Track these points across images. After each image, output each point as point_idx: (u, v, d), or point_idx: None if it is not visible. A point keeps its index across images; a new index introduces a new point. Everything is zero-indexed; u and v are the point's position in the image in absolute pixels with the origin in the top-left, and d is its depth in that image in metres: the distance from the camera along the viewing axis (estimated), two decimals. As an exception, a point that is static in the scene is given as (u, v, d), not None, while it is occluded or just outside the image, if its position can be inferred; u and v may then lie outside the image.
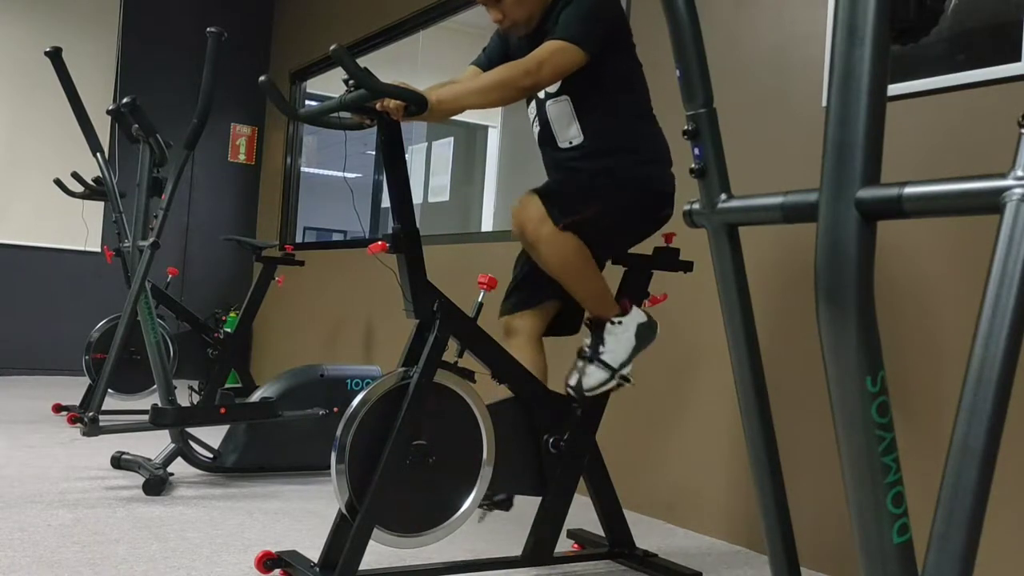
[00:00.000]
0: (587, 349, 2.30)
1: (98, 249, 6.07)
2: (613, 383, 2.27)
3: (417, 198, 5.01)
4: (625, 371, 2.28)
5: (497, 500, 2.32)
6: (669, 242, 2.44)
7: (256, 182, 7.04)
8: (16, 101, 6.12)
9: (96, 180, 4.47)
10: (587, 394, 2.26)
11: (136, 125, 3.35)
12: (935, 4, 0.95)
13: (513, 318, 2.41)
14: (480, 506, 2.26)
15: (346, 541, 2.04)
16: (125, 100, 3.37)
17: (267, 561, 2.17)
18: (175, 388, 3.25)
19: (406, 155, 2.20)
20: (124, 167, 5.20)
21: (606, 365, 2.26)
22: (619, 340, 2.27)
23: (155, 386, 3.36)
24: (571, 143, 2.34)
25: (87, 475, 3.26)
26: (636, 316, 2.31)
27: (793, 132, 2.78)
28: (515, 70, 2.15)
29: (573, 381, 2.27)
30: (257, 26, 6.99)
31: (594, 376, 2.25)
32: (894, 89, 2.41)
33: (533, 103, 2.43)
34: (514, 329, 2.41)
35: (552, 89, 2.32)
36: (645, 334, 2.31)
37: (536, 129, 2.44)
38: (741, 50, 2.97)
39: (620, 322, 2.28)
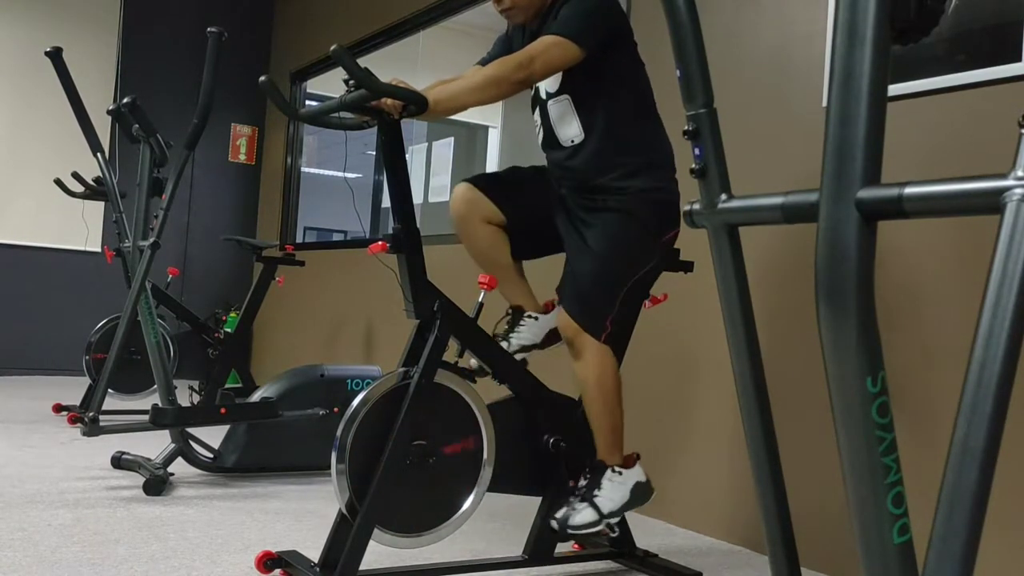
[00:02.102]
0: (582, 489, 2.28)
1: (98, 249, 6.07)
2: (599, 527, 2.25)
3: (417, 198, 5.01)
4: (612, 521, 2.27)
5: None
6: (671, 242, 2.44)
7: (256, 182, 7.04)
8: (16, 101, 6.12)
9: (96, 180, 4.47)
10: (570, 532, 2.24)
11: (136, 125, 3.35)
12: (935, 4, 0.95)
13: (473, 190, 2.38)
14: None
15: (346, 541, 2.04)
16: (125, 100, 3.37)
17: (267, 561, 2.17)
18: (175, 388, 3.25)
19: (406, 155, 2.20)
20: (124, 167, 5.20)
21: (597, 509, 2.23)
22: (615, 490, 2.26)
23: (155, 386, 3.36)
24: (572, 142, 2.33)
25: (87, 475, 3.26)
26: (636, 474, 2.30)
27: (793, 132, 2.78)
28: (508, 64, 2.15)
29: (560, 515, 2.24)
30: (257, 26, 6.99)
31: (583, 516, 2.22)
32: (895, 89, 2.41)
33: (537, 106, 2.43)
34: (473, 212, 2.38)
35: (553, 88, 2.32)
36: (639, 494, 2.30)
37: (540, 132, 2.44)
38: (741, 50, 2.97)
39: (621, 473, 2.27)
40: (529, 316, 2.42)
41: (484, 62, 2.47)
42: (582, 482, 2.30)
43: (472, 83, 2.17)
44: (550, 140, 2.40)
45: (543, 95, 2.37)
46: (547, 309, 2.45)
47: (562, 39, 2.16)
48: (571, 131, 2.33)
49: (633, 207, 2.26)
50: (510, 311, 2.46)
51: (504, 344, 2.38)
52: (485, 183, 2.40)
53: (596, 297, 2.27)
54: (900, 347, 2.38)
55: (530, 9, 2.33)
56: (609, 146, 2.30)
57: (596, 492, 2.24)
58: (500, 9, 2.37)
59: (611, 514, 2.24)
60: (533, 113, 2.46)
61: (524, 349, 2.41)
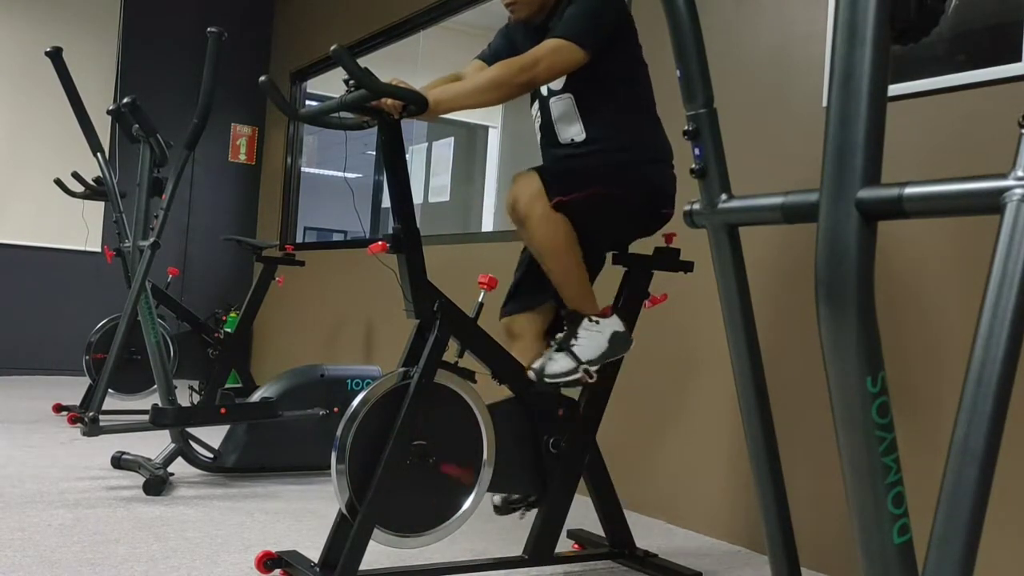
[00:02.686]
0: (558, 339, 2.28)
1: (98, 249, 6.07)
2: (577, 375, 2.23)
3: (417, 198, 5.01)
4: (591, 368, 2.24)
5: (531, 501, 2.32)
6: (669, 242, 2.44)
7: (256, 182, 7.04)
8: (16, 101, 6.12)
9: (96, 180, 4.47)
10: (547, 380, 2.23)
11: (136, 125, 3.35)
12: (935, 4, 0.95)
13: (514, 320, 2.41)
14: (515, 509, 2.31)
15: (346, 541, 2.04)
16: (125, 100, 3.37)
17: (267, 561, 2.17)
18: (175, 388, 3.25)
19: (406, 155, 2.20)
20: (124, 167, 5.20)
21: (574, 356, 2.23)
22: (592, 338, 2.25)
23: (155, 386, 3.36)
24: (573, 140, 2.33)
25: (87, 475, 3.26)
26: (614, 323, 2.29)
27: (793, 132, 2.78)
28: (512, 67, 2.15)
29: (537, 365, 2.24)
30: (257, 26, 6.99)
31: (560, 363, 2.23)
32: (895, 89, 2.41)
33: (536, 102, 2.43)
34: (516, 332, 2.40)
35: (556, 86, 2.32)
36: (618, 343, 2.28)
37: (538, 127, 2.44)
38: (741, 50, 2.97)
39: (597, 322, 2.27)
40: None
41: (484, 56, 2.46)
42: (559, 335, 2.28)
43: (474, 84, 2.16)
44: (549, 137, 2.40)
45: (545, 92, 2.37)
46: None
47: (567, 43, 2.16)
48: (572, 130, 2.33)
49: (627, 178, 2.29)
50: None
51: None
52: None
53: (569, 178, 2.25)
54: (900, 347, 2.38)
55: (535, 4, 2.32)
56: (610, 146, 2.30)
57: (573, 341, 2.23)
58: (505, 3, 2.36)
59: (589, 361, 2.22)
60: (531, 107, 2.46)
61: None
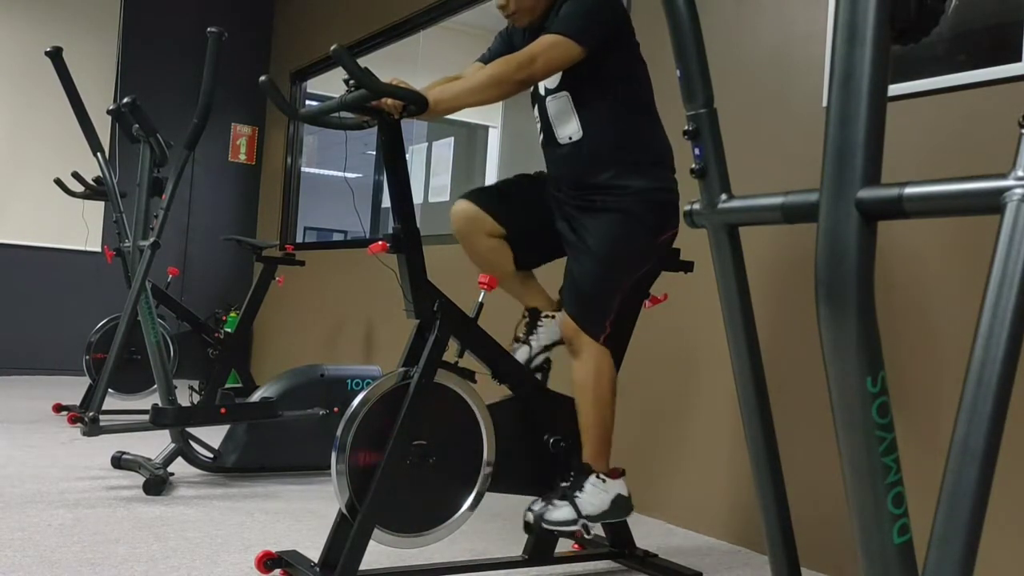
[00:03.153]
0: (563, 488, 2.26)
1: (98, 249, 6.07)
2: (575, 527, 2.22)
3: (418, 198, 5.01)
4: (588, 524, 2.23)
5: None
6: (670, 241, 2.44)
7: (256, 182, 7.04)
8: (16, 101, 6.12)
9: (96, 180, 4.47)
10: (544, 526, 2.21)
11: (136, 125, 3.35)
12: (936, 4, 0.95)
13: (472, 206, 2.38)
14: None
15: (346, 541, 2.04)
16: (125, 100, 3.37)
17: (267, 561, 2.17)
18: (175, 388, 3.25)
19: (406, 155, 2.20)
20: (124, 167, 5.20)
21: (576, 508, 2.21)
22: (596, 496, 2.24)
23: (155, 386, 3.36)
24: (570, 139, 2.33)
25: (87, 475, 3.26)
26: (619, 487, 2.28)
27: (793, 132, 2.78)
28: (509, 64, 2.15)
29: (537, 508, 2.23)
30: (257, 26, 6.99)
31: (561, 512, 2.21)
32: (895, 89, 2.41)
33: (536, 105, 2.43)
34: (474, 230, 2.39)
35: (552, 84, 2.32)
36: (619, 507, 2.27)
37: (539, 128, 2.44)
38: (741, 50, 2.97)
39: (604, 481, 2.26)
40: (546, 316, 2.42)
41: (484, 59, 2.46)
42: (564, 484, 2.29)
43: (473, 83, 2.17)
44: (549, 137, 2.40)
45: (542, 91, 2.37)
46: (613, 476, 2.36)
47: (563, 38, 2.16)
48: (569, 128, 2.33)
49: (632, 207, 2.26)
50: (526, 314, 2.46)
51: (527, 347, 2.39)
52: (484, 198, 2.41)
53: (596, 298, 2.27)
54: (900, 347, 2.38)
55: (535, 11, 2.32)
56: (608, 144, 2.29)
57: (578, 493, 2.23)
58: (505, 14, 2.37)
59: (588, 517, 2.22)
60: (533, 109, 2.46)
61: (547, 348, 2.41)
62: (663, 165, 2.33)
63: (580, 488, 2.24)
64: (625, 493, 2.29)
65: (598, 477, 2.25)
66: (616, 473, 2.29)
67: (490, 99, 2.18)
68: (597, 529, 2.50)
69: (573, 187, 2.35)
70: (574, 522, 2.21)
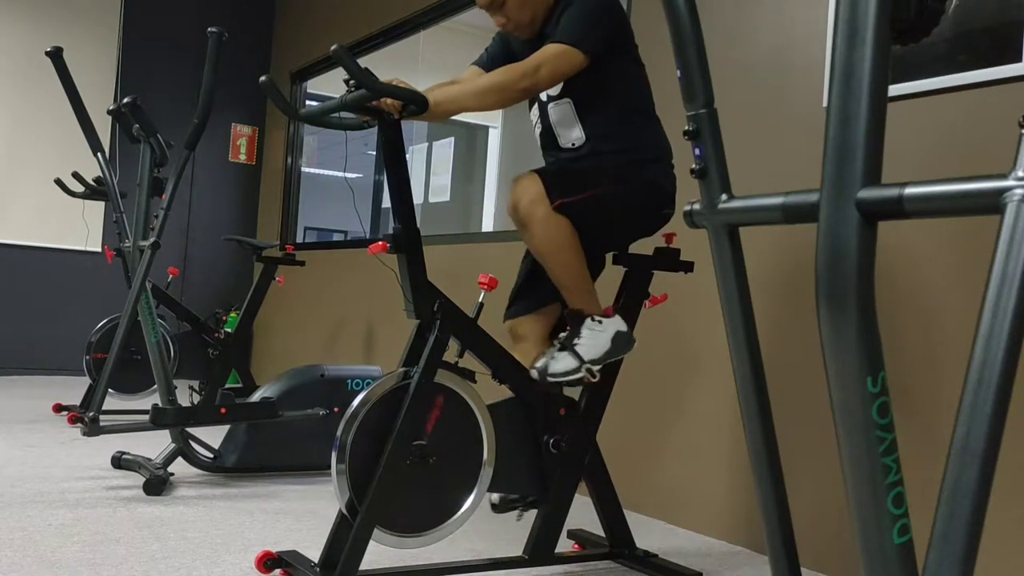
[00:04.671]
0: (561, 339, 2.28)
1: (98, 249, 6.07)
2: (580, 374, 2.23)
3: (418, 198, 5.00)
4: (593, 368, 2.24)
5: (530, 500, 2.33)
6: (670, 242, 2.44)
7: (257, 182, 7.04)
8: (16, 101, 6.12)
9: (97, 180, 4.47)
10: (550, 379, 2.23)
11: (137, 125, 3.35)
12: (936, 4, 0.95)
13: (518, 323, 2.41)
14: (513, 508, 2.32)
15: (346, 541, 2.04)
16: (126, 100, 3.37)
17: (267, 561, 2.17)
18: (175, 388, 3.25)
19: (407, 155, 2.20)
20: (125, 167, 5.20)
21: (577, 355, 2.23)
22: (595, 337, 2.24)
23: (155, 386, 3.36)
24: (573, 144, 2.34)
25: (87, 475, 3.26)
26: (617, 323, 2.29)
27: (793, 132, 2.78)
28: (513, 73, 2.15)
29: (540, 364, 2.24)
30: (257, 26, 6.99)
31: (563, 362, 2.22)
32: (895, 89, 2.41)
33: (535, 106, 2.43)
34: (521, 334, 2.40)
35: (554, 92, 2.32)
36: (621, 342, 2.28)
37: (538, 132, 2.44)
38: (741, 50, 2.97)
39: (600, 322, 2.26)
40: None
41: (481, 61, 2.46)
42: (561, 335, 2.28)
43: (475, 87, 2.17)
44: (550, 142, 2.40)
45: (544, 98, 2.37)
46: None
47: (567, 47, 2.16)
48: (573, 134, 2.33)
49: (628, 178, 2.29)
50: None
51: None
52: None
53: (570, 179, 2.25)
54: (901, 347, 2.38)
55: (534, 23, 2.32)
56: (611, 148, 2.30)
57: (576, 340, 2.23)
58: (500, 24, 2.36)
59: (592, 361, 2.22)
60: (530, 111, 2.46)
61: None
62: (663, 162, 2.35)
63: (577, 335, 2.24)
64: (624, 328, 2.28)
65: (593, 319, 2.25)
66: (610, 311, 2.29)
67: (491, 105, 2.18)
68: (597, 528, 2.50)
69: None
70: (578, 369, 2.22)
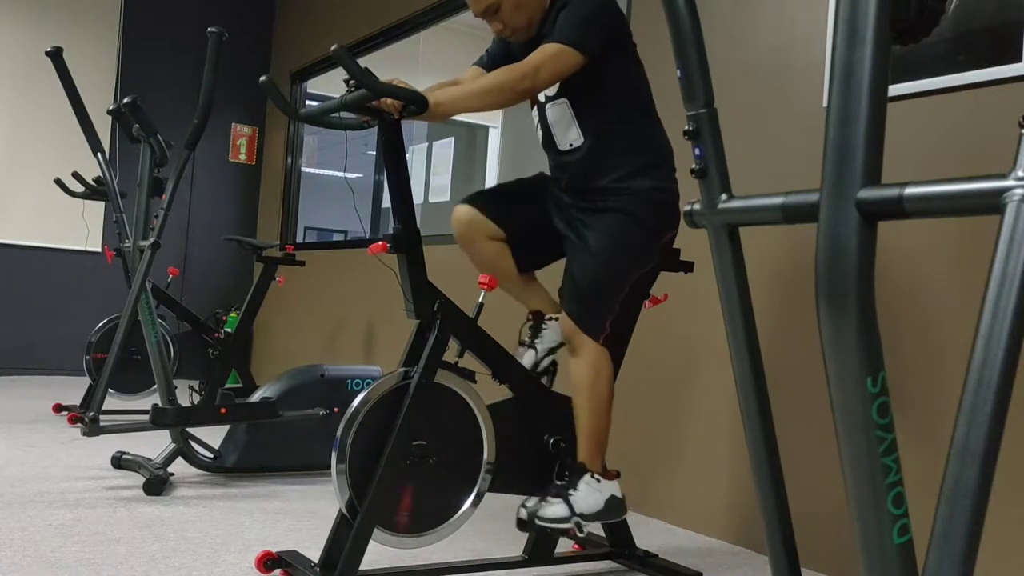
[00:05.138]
0: (558, 486, 2.26)
1: (98, 249, 6.07)
2: (568, 525, 2.20)
3: (418, 198, 5.01)
4: (581, 523, 2.21)
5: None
6: (670, 243, 2.44)
7: (257, 182, 7.04)
8: (16, 101, 6.12)
9: (97, 180, 4.47)
10: (537, 523, 2.20)
11: (137, 125, 3.35)
12: (936, 4, 0.95)
13: (480, 221, 2.37)
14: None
15: (346, 541, 2.04)
16: (126, 100, 3.37)
17: (267, 561, 2.17)
18: (175, 388, 3.25)
19: (407, 155, 2.20)
20: (125, 167, 5.20)
21: (570, 506, 2.20)
22: (590, 495, 2.23)
23: (155, 386, 3.36)
24: (571, 145, 2.33)
25: (87, 475, 3.26)
26: (614, 487, 2.27)
27: (794, 132, 2.78)
28: (512, 74, 2.15)
29: (531, 504, 2.22)
30: (258, 26, 6.99)
31: (554, 509, 2.19)
32: (895, 89, 2.41)
33: (536, 107, 2.42)
34: (472, 236, 2.38)
35: (551, 92, 2.32)
36: (613, 508, 2.26)
37: (539, 133, 2.44)
38: (741, 50, 2.97)
39: (599, 481, 2.25)
40: (550, 318, 2.43)
41: (483, 62, 2.46)
42: (559, 482, 2.29)
43: (475, 88, 2.16)
44: (549, 142, 2.40)
45: (541, 98, 2.37)
46: (609, 476, 2.35)
47: (565, 47, 2.16)
48: (570, 134, 2.33)
49: (633, 207, 2.26)
50: (530, 317, 2.47)
51: (532, 351, 2.40)
52: (483, 201, 2.40)
53: (596, 298, 2.27)
54: (901, 347, 2.38)
55: (531, 27, 2.32)
56: (609, 148, 2.30)
57: (572, 492, 2.23)
58: (497, 29, 2.36)
59: (582, 516, 2.21)
60: (532, 111, 2.46)
61: (552, 351, 2.43)
62: (664, 166, 2.33)
63: (574, 487, 2.23)
64: (619, 495, 2.29)
65: (593, 477, 2.25)
66: (611, 475, 2.29)
67: (491, 106, 2.18)
68: (597, 529, 2.50)
69: (575, 191, 2.35)
70: (567, 519, 2.20)
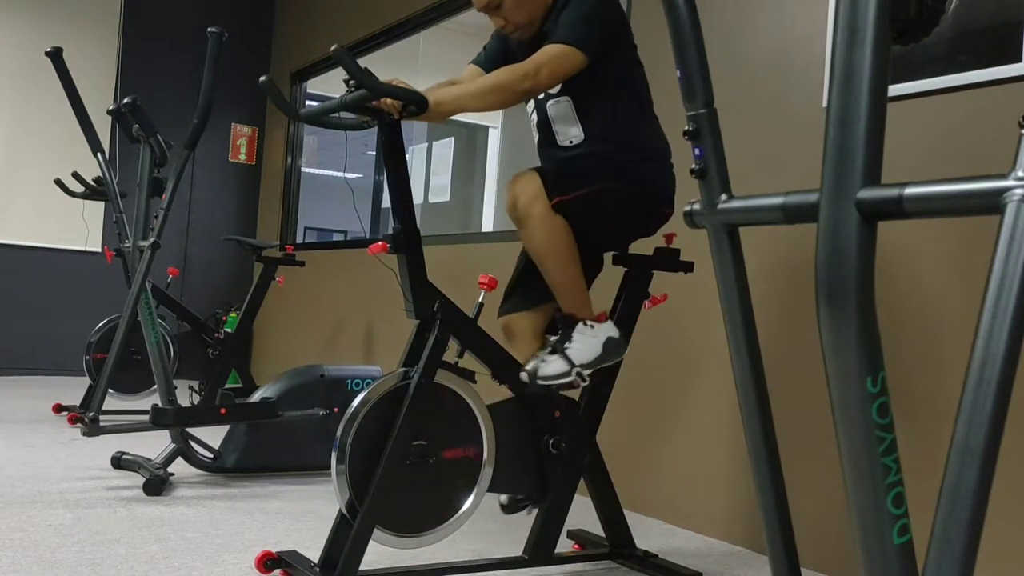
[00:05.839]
0: (552, 341, 2.27)
1: (98, 249, 6.07)
2: (570, 378, 2.22)
3: (418, 198, 5.01)
4: (584, 372, 2.23)
5: (537, 500, 2.34)
6: (669, 242, 2.44)
7: (257, 182, 7.04)
8: (16, 101, 6.12)
9: (97, 180, 4.47)
10: (540, 382, 2.21)
11: (136, 125, 3.35)
12: (936, 4, 0.95)
13: (512, 319, 2.40)
14: (522, 507, 2.34)
15: (346, 541, 2.04)
16: (126, 100, 3.37)
17: (267, 561, 2.17)
18: (175, 388, 3.25)
19: (406, 155, 2.20)
20: (125, 167, 5.20)
21: (568, 359, 2.22)
22: (587, 342, 2.24)
23: (155, 386, 3.36)
24: (571, 142, 2.34)
25: (87, 475, 3.26)
26: (608, 328, 2.28)
27: (793, 132, 2.78)
28: (514, 74, 2.15)
29: (530, 366, 2.23)
30: (257, 26, 6.99)
31: (553, 366, 2.21)
32: (895, 90, 2.41)
33: (532, 103, 2.42)
34: (514, 332, 2.40)
35: (553, 90, 2.32)
36: (612, 348, 2.27)
37: (535, 129, 2.44)
38: (741, 50, 2.97)
39: (592, 326, 2.26)
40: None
41: (480, 60, 2.46)
42: (553, 338, 2.28)
43: (476, 88, 2.16)
44: (547, 138, 2.40)
45: (542, 95, 2.37)
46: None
47: (567, 47, 2.16)
48: (571, 132, 2.33)
49: (627, 177, 2.28)
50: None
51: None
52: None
53: (569, 177, 2.25)
54: (900, 347, 2.38)
55: (532, 24, 2.32)
56: (608, 146, 2.30)
57: (567, 344, 2.22)
58: (499, 28, 2.36)
59: (583, 365, 2.21)
60: (527, 108, 2.46)
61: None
62: (662, 160, 2.35)
63: (569, 339, 2.23)
64: (615, 335, 2.28)
65: (585, 324, 2.24)
66: (603, 316, 2.29)
67: (492, 106, 2.18)
68: (597, 528, 2.50)
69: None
70: (568, 373, 2.21)
